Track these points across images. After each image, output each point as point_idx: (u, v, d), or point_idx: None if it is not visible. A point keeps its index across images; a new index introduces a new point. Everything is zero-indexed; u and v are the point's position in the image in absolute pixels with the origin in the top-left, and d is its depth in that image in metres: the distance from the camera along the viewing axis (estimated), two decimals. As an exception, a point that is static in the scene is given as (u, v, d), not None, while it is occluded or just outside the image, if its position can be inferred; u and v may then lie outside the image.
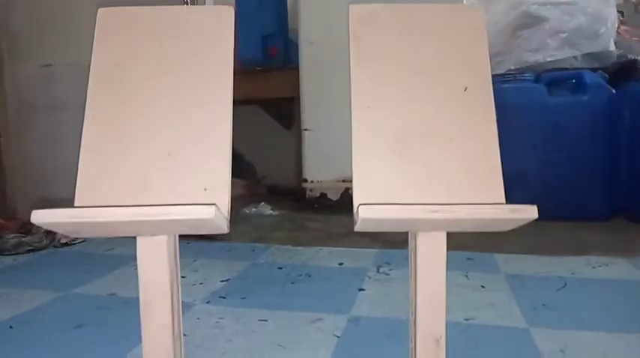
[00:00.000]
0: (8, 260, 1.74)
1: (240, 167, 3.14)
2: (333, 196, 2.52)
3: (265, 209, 2.51)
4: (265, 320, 1.19)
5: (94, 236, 0.54)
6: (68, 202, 1.83)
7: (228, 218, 0.56)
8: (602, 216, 2.21)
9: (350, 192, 2.11)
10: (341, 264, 1.66)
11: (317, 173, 2.48)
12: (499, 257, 1.69)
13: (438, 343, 0.59)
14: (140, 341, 1.03)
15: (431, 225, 0.52)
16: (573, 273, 1.50)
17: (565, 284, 1.41)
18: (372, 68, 0.60)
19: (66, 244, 1.91)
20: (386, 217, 0.47)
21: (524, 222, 0.50)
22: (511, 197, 2.29)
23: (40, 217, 0.46)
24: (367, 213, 0.47)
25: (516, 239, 1.95)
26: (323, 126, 2.45)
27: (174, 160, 0.56)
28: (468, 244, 1.84)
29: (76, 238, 1.95)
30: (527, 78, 2.26)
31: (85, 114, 0.59)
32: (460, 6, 0.65)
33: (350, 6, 0.64)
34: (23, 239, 1.84)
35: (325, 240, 1.96)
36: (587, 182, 2.21)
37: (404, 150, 0.57)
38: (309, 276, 1.53)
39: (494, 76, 2.36)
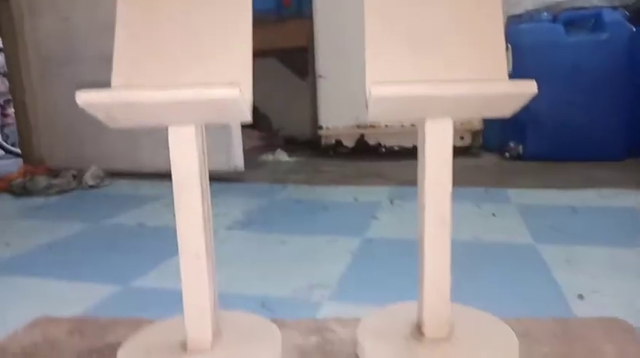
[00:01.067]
0: (40, 200, 1.84)
1: (256, 119, 3.19)
2: (349, 143, 2.56)
3: (282, 156, 2.57)
4: (285, 242, 1.26)
5: (128, 123, 0.59)
6: (89, 144, 1.90)
7: (250, 109, 0.61)
8: (618, 157, 2.21)
9: (365, 138, 2.16)
10: (356, 199, 1.72)
11: (332, 119, 2.52)
12: (512, 191, 1.73)
13: (443, 222, 0.65)
14: (170, 256, 1.12)
15: (439, 106, 0.56)
16: (583, 202, 1.54)
17: (574, 211, 1.45)
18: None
19: (92, 186, 2.00)
20: (398, 94, 0.52)
21: (526, 98, 0.54)
22: (527, 137, 2.32)
23: (84, 96, 0.51)
24: (379, 91, 0.51)
25: (529, 177, 1.99)
26: (337, 73, 2.47)
27: (202, 60, 0.61)
28: (482, 181, 1.89)
29: (102, 181, 2.05)
30: (545, 18, 2.23)
31: (117, 20, 0.64)
32: None
33: None
34: (53, 181, 1.93)
35: (340, 181, 2.01)
36: (603, 122, 2.20)
37: (415, 42, 0.61)
38: (326, 209, 1.60)
39: (511, 17, 2.34)
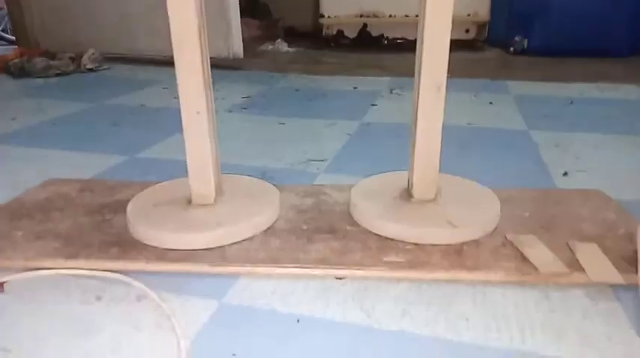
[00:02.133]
0: (39, 81, 1.83)
1: (256, 8, 3.06)
2: (350, 33, 2.49)
3: (282, 46, 2.51)
4: (284, 124, 1.29)
5: None
6: (84, 28, 1.85)
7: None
8: (622, 52, 2.18)
9: (368, 29, 2.10)
10: (355, 87, 1.72)
11: (334, 7, 2.42)
12: (511, 83, 1.73)
13: (438, 89, 0.67)
14: (173, 133, 1.15)
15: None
16: (581, 94, 1.55)
17: (571, 102, 1.47)
18: None
19: (91, 70, 1.98)
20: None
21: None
22: (532, 30, 2.26)
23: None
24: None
25: (531, 70, 1.97)
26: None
27: None
28: (483, 74, 1.87)
29: (100, 65, 2.02)
30: None
31: None
32: None
33: None
34: (51, 62, 1.91)
35: (341, 71, 2.00)
36: (610, 15, 2.13)
37: None
38: (325, 96, 1.60)
39: None
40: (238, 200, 0.71)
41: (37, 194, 0.80)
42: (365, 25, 2.45)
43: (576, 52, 2.19)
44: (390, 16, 2.37)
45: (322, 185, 0.83)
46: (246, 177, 0.83)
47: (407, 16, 2.34)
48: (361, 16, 2.40)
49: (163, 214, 0.67)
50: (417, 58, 0.67)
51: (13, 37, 2.71)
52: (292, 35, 2.97)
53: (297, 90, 1.69)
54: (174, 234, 0.62)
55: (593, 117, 1.32)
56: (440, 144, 0.68)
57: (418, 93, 0.67)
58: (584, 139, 1.13)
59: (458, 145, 1.07)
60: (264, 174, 0.93)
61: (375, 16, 2.38)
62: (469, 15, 2.32)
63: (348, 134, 1.19)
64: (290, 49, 2.50)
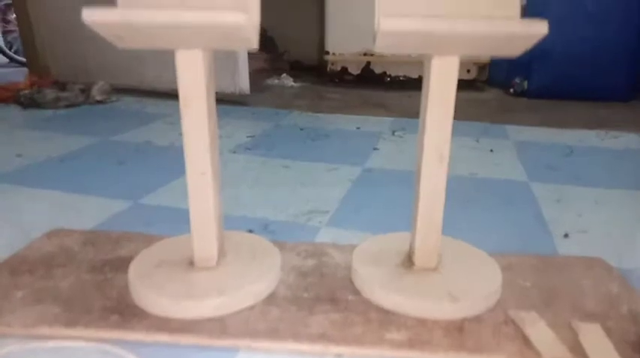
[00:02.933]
0: (48, 112, 1.86)
1: (263, 41, 3.11)
2: (354, 70, 2.53)
3: (287, 80, 2.55)
4: (288, 167, 1.30)
5: (135, 44, 0.59)
6: (94, 57, 1.88)
7: (257, 34, 0.61)
8: (623, 97, 2.20)
9: (371, 66, 2.14)
10: (358, 128, 1.73)
11: (339, 45, 2.47)
12: (510, 128, 1.75)
13: (441, 159, 0.67)
14: (177, 176, 1.16)
15: (447, 43, 0.57)
16: (581, 142, 1.56)
17: (571, 151, 1.48)
18: None
19: (100, 102, 2.01)
20: (407, 29, 0.52)
21: (537, 38, 0.55)
22: (532, 73, 2.29)
23: (91, 14, 0.52)
24: (388, 25, 0.51)
25: (530, 114, 1.99)
26: (347, -5, 2.38)
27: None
28: (483, 116, 1.89)
29: (109, 97, 2.05)
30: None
31: None
32: None
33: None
34: (61, 94, 1.94)
35: (344, 109, 2.02)
36: (611, 60, 2.16)
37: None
38: (328, 136, 1.62)
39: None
40: (240, 263, 0.72)
41: (40, 247, 0.80)
42: (368, 63, 2.48)
43: (576, 95, 2.22)
44: (393, 55, 2.40)
45: (324, 244, 0.84)
46: (249, 234, 0.83)
47: (409, 55, 2.37)
48: (365, 54, 2.44)
49: (165, 278, 0.67)
50: (420, 125, 0.67)
51: (24, 59, 2.76)
52: (297, 69, 3.02)
53: (302, 129, 1.71)
54: (175, 301, 0.62)
55: (594, 168, 1.33)
56: (442, 214, 0.69)
57: (421, 163, 0.68)
58: (585, 194, 1.14)
59: (460, 199, 1.08)
60: (266, 228, 0.93)
61: (378, 54, 2.42)
62: (469, 56, 2.35)
63: (350, 180, 1.20)
64: (295, 84, 2.53)
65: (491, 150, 1.48)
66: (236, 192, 1.10)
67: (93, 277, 0.71)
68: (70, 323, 0.60)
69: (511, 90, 2.34)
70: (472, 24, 0.53)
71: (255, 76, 2.43)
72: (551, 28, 2.05)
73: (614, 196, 1.13)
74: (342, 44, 2.46)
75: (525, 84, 2.28)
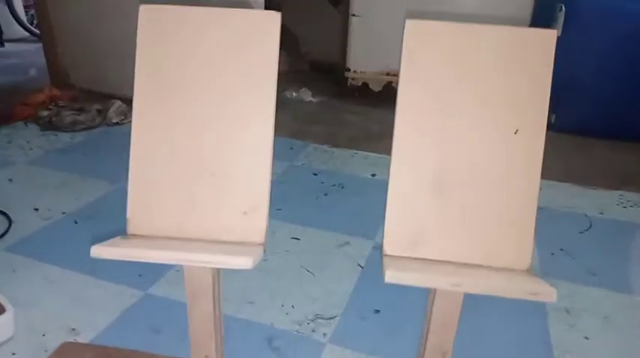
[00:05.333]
0: (66, 138, 1.87)
1: (285, 39, 3.04)
2: (375, 87, 2.46)
3: (306, 95, 2.50)
4: (297, 239, 1.30)
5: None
6: (114, 67, 1.84)
7: (265, 241, 0.60)
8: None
9: (393, 85, 2.08)
10: (373, 175, 1.71)
11: (361, 63, 2.40)
12: (532, 182, 1.70)
13: (444, 355, 0.67)
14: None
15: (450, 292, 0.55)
16: (602, 213, 1.52)
17: (590, 226, 1.44)
18: (422, 101, 0.58)
19: (116, 124, 2.01)
20: (407, 283, 0.51)
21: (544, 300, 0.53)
22: (561, 107, 2.18)
23: (100, 252, 0.52)
24: (392, 277, 0.51)
25: (556, 158, 1.93)
26: (372, 12, 2.29)
27: (218, 180, 0.59)
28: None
29: (126, 118, 2.05)
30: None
31: (133, 120, 0.61)
32: (526, 30, 0.58)
33: (407, 22, 0.59)
34: (78, 117, 1.94)
35: (362, 142, 1.98)
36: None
37: (442, 191, 0.58)
38: (343, 188, 1.60)
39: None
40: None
41: (51, 371, 0.83)
42: (390, 82, 2.41)
43: (602, 134, 2.14)
44: (418, 76, 2.33)
45: (325, 380, 0.85)
46: None
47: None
48: (387, 74, 2.37)
49: None
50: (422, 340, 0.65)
51: (38, 32, 2.74)
52: (317, 70, 2.95)
53: (316, 174, 1.69)
54: None
55: (611, 256, 1.30)
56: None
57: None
58: (596, 301, 1.12)
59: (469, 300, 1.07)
60: (270, 343, 0.95)
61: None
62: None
63: (360, 266, 1.20)
64: (314, 100, 2.49)
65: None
66: (242, 283, 1.11)
67: None
68: None
69: (536, 120, 2.26)
70: (473, 285, 0.51)
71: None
72: (585, 62, 1.99)
73: (623, 306, 1.11)
74: (364, 62, 2.39)
75: (553, 117, 2.20)
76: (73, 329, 0.95)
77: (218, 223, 0.59)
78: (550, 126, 2.17)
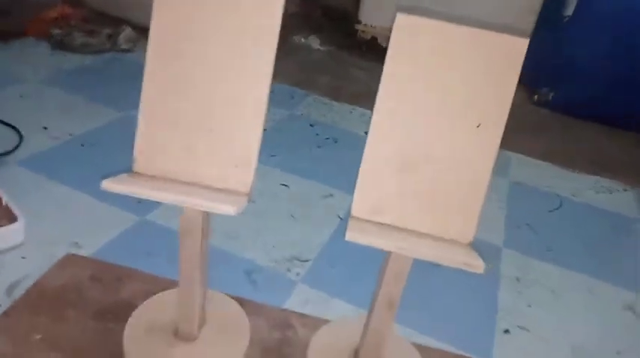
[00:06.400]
0: (76, 59, 1.92)
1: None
2: (384, 42, 2.48)
3: (314, 42, 2.52)
4: (286, 187, 1.40)
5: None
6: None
7: (250, 191, 0.70)
8: (643, 129, 2.18)
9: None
10: (367, 133, 1.78)
11: (372, 17, 2.41)
12: (515, 158, 1.79)
13: (390, 305, 0.78)
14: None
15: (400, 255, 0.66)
16: (573, 195, 1.62)
17: (560, 205, 1.55)
18: (401, 91, 0.66)
19: (125, 50, 2.05)
20: (364, 243, 0.61)
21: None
22: (560, 85, 2.23)
23: (109, 187, 0.61)
24: (351, 237, 0.60)
25: (541, 137, 2.01)
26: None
27: (215, 136, 0.67)
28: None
29: (135, 45, 2.09)
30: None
31: (146, 70, 0.69)
32: (500, 36, 0.65)
33: (397, 15, 0.65)
34: (89, 40, 1.98)
35: (364, 98, 2.04)
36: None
37: (406, 169, 0.66)
38: (336, 142, 1.69)
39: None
40: (215, 337, 0.86)
41: (55, 277, 0.95)
42: (400, 40, 2.43)
43: (599, 118, 2.19)
44: (426, 38, 2.34)
45: (292, 313, 0.97)
46: (228, 300, 0.97)
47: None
48: (398, 31, 2.37)
49: (150, 349, 0.82)
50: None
51: None
52: (328, 16, 2.94)
53: (312, 126, 1.77)
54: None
55: (572, 237, 1.41)
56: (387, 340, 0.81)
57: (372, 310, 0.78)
58: (547, 275, 1.24)
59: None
60: (249, 276, 1.07)
61: (411, 34, 2.36)
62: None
63: (339, 217, 1.31)
64: (321, 48, 2.51)
65: (483, 192, 1.55)
66: (231, 220, 1.22)
67: (97, 325, 0.87)
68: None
69: (535, 97, 2.31)
70: (416, 251, 0.61)
71: (284, 28, 2.41)
72: (591, 46, 2.08)
73: (572, 284, 1.23)
74: (375, 16, 2.40)
75: (550, 96, 2.25)
76: (76, 243, 1.07)
77: (212, 172, 0.68)
78: (546, 104, 2.24)
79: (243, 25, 0.66)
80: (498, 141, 0.66)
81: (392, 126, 0.68)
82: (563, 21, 2.14)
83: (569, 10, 2.09)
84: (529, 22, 2.22)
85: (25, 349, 0.81)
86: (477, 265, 0.61)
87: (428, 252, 0.62)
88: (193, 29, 0.68)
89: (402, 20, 0.66)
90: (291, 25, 2.64)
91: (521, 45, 0.65)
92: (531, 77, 2.38)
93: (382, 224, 0.68)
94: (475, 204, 0.67)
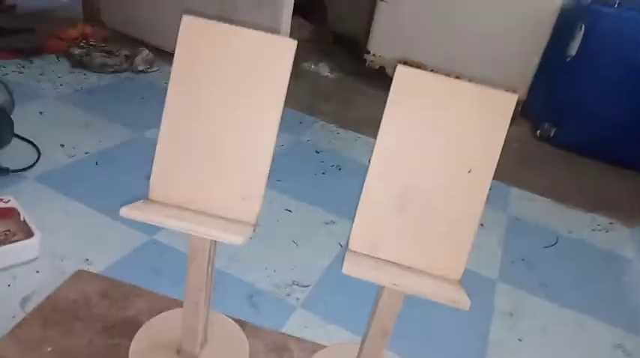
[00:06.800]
0: (94, 78, 2.00)
1: (313, 10, 3.10)
2: (391, 72, 2.55)
3: (324, 69, 2.60)
4: (290, 212, 1.45)
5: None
6: (145, 11, 1.93)
7: (256, 222, 0.75)
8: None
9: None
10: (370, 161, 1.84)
11: (381, 48, 2.48)
12: (515, 193, 1.83)
13: (384, 334, 0.83)
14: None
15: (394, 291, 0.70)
16: (570, 232, 1.66)
17: (555, 242, 1.59)
18: (400, 139, 0.71)
19: (142, 71, 2.13)
20: (359, 277, 0.66)
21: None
22: (563, 122, 2.29)
23: (127, 213, 0.66)
24: (348, 271, 0.65)
25: (543, 172, 2.05)
26: (400, 1, 2.36)
27: (225, 170, 0.73)
28: (497, 168, 1.96)
29: (151, 67, 2.17)
30: (634, 7, 2.04)
31: (164, 113, 0.74)
32: (492, 91, 0.70)
33: (398, 67, 0.71)
34: (107, 60, 2.06)
35: (367, 126, 2.10)
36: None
37: (403, 207, 0.71)
38: (340, 170, 1.74)
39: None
40: (215, 355, 0.91)
41: (66, 293, 1.00)
42: (407, 71, 2.50)
43: (600, 156, 2.24)
44: (432, 70, 2.41)
45: (290, 337, 1.01)
46: (229, 322, 1.01)
47: (447, 74, 2.38)
48: (405, 62, 2.45)
49: (154, 366, 0.87)
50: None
51: None
52: (340, 43, 3.03)
53: (318, 152, 1.83)
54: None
55: (566, 273, 1.45)
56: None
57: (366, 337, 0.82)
58: (539, 311, 1.27)
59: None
60: (250, 299, 1.11)
61: (418, 66, 2.43)
62: (507, 89, 2.35)
63: (339, 245, 1.35)
64: (330, 75, 2.59)
65: (482, 225, 1.59)
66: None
67: (104, 340, 0.91)
68: (80, 396, 0.81)
69: (538, 131, 2.36)
70: (408, 287, 0.66)
71: (297, 51, 2.49)
72: (594, 84, 2.16)
73: (564, 320, 1.26)
74: (385, 47, 2.48)
75: (553, 131, 2.31)
76: (87, 260, 1.12)
77: (221, 203, 0.74)
78: (548, 140, 2.29)
79: (258, 66, 0.72)
80: (488, 185, 0.71)
81: (389, 166, 0.73)
82: (566, 60, 2.20)
83: (573, 50, 2.16)
84: (533, 62, 2.29)
85: (36, 359, 0.85)
86: (464, 302, 0.65)
87: (419, 288, 0.67)
88: (212, 67, 0.74)
89: (401, 71, 0.71)
90: (301, 50, 2.73)
91: (511, 100, 0.71)
92: (535, 112, 2.45)
93: (378, 259, 0.73)
94: (465, 244, 0.71)
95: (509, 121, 0.71)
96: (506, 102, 0.70)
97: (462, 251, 0.71)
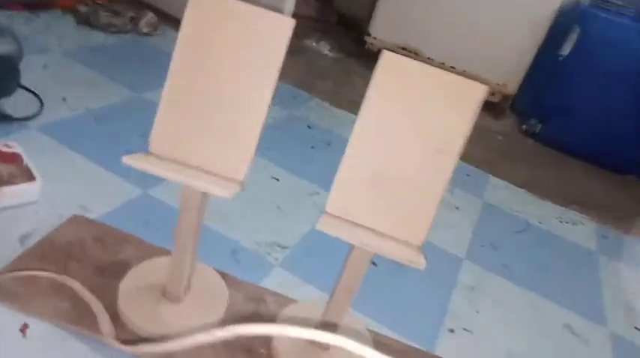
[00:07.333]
0: (99, 37, 2.05)
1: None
2: (390, 57, 2.62)
3: (324, 48, 2.65)
4: (277, 180, 1.53)
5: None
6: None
7: (243, 180, 0.83)
8: (630, 172, 2.31)
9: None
10: (360, 140, 1.92)
11: (382, 32, 2.54)
12: (493, 181, 1.93)
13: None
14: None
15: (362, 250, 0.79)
16: (540, 222, 1.76)
17: (524, 230, 1.69)
18: (379, 118, 0.80)
19: (146, 34, 2.18)
20: (332, 234, 0.75)
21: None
22: (549, 119, 2.37)
23: (129, 162, 0.74)
24: (322, 227, 0.74)
25: (523, 166, 2.15)
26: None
27: (219, 133, 0.81)
28: (475, 158, 2.05)
29: (155, 30, 2.21)
30: (628, 13, 2.11)
31: (169, 74, 0.82)
32: (467, 82, 0.78)
33: (383, 52, 0.79)
34: (112, 20, 2.11)
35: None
36: (629, 132, 2.24)
37: (375, 180, 0.80)
38: (329, 145, 1.82)
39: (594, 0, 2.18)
40: (196, 304, 1.00)
41: (63, 234, 1.08)
42: (404, 56, 2.56)
43: (582, 155, 2.33)
44: (429, 58, 2.48)
45: (266, 290, 1.11)
46: (213, 272, 1.10)
47: (443, 63, 2.46)
48: (404, 48, 2.52)
49: (140, 304, 0.95)
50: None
51: None
52: (343, 24, 3.07)
53: (310, 127, 1.90)
54: (144, 329, 0.91)
55: (529, 259, 1.55)
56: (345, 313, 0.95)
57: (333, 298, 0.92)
58: (498, 289, 1.38)
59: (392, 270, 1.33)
60: (234, 254, 1.20)
61: (415, 53, 2.50)
62: (498, 84, 2.43)
63: (321, 213, 1.44)
64: (330, 54, 2.64)
65: (457, 208, 1.69)
66: (224, 203, 1.35)
67: (96, 279, 1.00)
68: (74, 321, 0.90)
69: (524, 126, 2.45)
70: (376, 247, 0.75)
71: (299, 27, 2.54)
72: (584, 85, 2.27)
73: (520, 299, 1.37)
74: (386, 31, 2.54)
75: (538, 127, 2.39)
76: (84, 206, 1.20)
77: (213, 161, 0.82)
78: (533, 135, 2.39)
79: (256, 41, 0.79)
80: (453, 166, 0.80)
81: (366, 143, 0.81)
82: (558, 60, 2.28)
83: (566, 50, 2.23)
84: (526, 59, 2.36)
85: (35, 290, 0.94)
86: (420, 263, 0.75)
87: (384, 248, 0.76)
88: (214, 37, 0.81)
89: (386, 56, 0.79)
90: (304, 28, 2.78)
91: (481, 90, 0.78)
92: (523, 108, 2.53)
93: (350, 221, 0.81)
94: (428, 215, 0.80)
95: (478, 109, 0.79)
96: (477, 92, 0.78)
97: (425, 220, 0.80)
